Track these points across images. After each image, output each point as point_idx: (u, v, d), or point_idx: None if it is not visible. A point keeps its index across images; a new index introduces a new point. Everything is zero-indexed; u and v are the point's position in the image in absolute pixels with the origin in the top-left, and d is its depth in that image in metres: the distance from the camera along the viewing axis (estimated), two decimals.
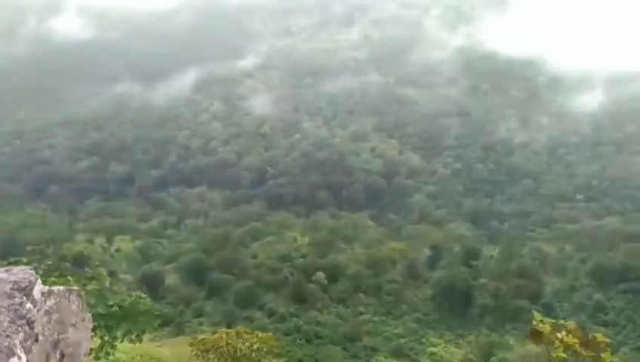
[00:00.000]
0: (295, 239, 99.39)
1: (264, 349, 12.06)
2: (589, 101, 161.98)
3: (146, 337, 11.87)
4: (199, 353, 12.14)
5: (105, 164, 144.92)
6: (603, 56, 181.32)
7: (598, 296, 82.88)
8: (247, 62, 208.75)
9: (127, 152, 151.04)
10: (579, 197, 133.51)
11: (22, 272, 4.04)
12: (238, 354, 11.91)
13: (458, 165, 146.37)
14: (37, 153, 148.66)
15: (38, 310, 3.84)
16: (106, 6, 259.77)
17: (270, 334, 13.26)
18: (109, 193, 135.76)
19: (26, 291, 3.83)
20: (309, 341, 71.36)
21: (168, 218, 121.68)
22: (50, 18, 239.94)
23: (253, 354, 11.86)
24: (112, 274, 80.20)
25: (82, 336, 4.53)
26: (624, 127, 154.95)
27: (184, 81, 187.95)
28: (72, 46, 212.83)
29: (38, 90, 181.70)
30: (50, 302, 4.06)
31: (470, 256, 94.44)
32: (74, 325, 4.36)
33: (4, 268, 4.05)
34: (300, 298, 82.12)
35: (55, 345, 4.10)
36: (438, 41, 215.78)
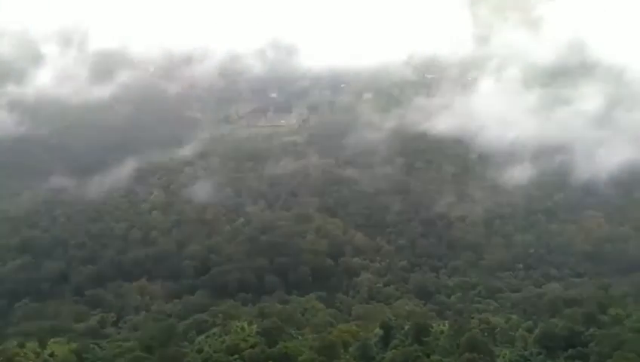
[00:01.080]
0: (243, 328, 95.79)
1: None
2: (519, 174, 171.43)
3: None
4: None
5: (38, 262, 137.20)
6: (528, 132, 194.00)
7: None
8: (187, 151, 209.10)
9: (61, 248, 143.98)
10: (518, 266, 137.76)
11: None
12: None
13: (402, 241, 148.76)
14: None
15: None
16: (39, 101, 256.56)
17: None
18: (42, 293, 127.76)
19: None
20: None
21: (106, 315, 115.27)
22: None
23: None
24: None
25: None
26: (553, 197, 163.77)
27: (122, 173, 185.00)
28: (3, 142, 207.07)
29: None
30: None
31: (421, 332, 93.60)
32: None
33: None
34: None
35: None
36: (373, 124, 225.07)
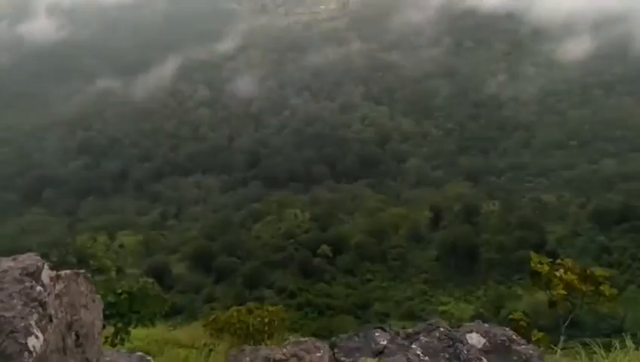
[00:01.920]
0: (296, 216, 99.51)
1: (275, 322, 12.00)
2: (576, 47, 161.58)
3: (160, 324, 11.92)
4: (213, 332, 12.04)
5: (97, 162, 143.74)
6: (585, 2, 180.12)
7: (600, 238, 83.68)
8: (227, 45, 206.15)
9: (117, 148, 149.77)
10: (572, 143, 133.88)
11: (29, 259, 4.10)
12: (251, 329, 11.87)
13: (450, 125, 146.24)
14: (27, 158, 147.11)
15: (49, 293, 3.84)
16: (75, 4, 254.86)
17: (280, 306, 13.23)
18: (105, 190, 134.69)
19: (35, 276, 3.89)
20: (320, 313, 72.31)
21: (167, 209, 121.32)
22: (20, 23, 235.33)
23: (266, 328, 11.79)
24: (118, 269, 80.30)
25: (94, 317, 4.56)
26: (612, 70, 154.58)
27: (165, 71, 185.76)
28: (47, 47, 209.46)
29: (20, 95, 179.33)
30: (60, 286, 4.07)
31: (471, 213, 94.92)
32: (84, 306, 4.36)
33: (11, 257, 4.12)
34: (307, 272, 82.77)
35: (69, 326, 4.09)
36: (417, 3, 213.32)
